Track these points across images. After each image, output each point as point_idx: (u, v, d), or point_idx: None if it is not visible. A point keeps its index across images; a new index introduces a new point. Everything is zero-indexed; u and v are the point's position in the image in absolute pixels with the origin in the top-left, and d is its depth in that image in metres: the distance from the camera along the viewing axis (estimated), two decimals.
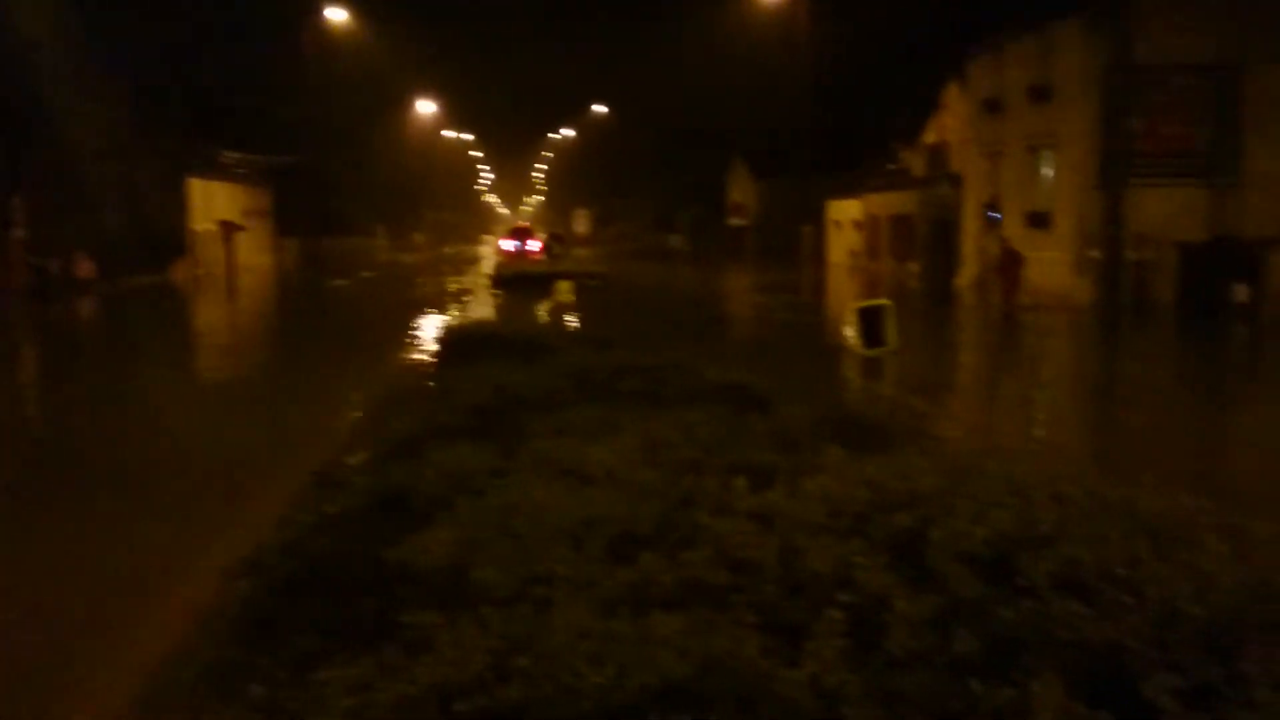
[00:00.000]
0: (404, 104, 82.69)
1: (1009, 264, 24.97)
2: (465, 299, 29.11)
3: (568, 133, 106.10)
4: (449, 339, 13.63)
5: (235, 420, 12.28)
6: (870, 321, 16.35)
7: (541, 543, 4.33)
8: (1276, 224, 21.96)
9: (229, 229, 50.55)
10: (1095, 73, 24.85)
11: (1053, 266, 26.81)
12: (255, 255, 54.52)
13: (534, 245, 51.69)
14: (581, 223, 76.45)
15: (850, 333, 16.39)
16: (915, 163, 41.28)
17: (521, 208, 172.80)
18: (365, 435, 9.29)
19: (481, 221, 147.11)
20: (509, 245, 62.43)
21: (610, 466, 5.51)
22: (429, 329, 18.14)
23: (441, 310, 24.48)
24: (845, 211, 47.07)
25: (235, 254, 50.97)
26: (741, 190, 64.56)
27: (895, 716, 3.05)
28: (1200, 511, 4.12)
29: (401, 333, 18.43)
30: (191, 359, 18.92)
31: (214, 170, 49.02)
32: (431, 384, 10.36)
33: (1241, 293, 20.71)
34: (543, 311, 23.80)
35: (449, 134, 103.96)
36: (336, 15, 52.13)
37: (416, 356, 13.81)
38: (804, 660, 3.26)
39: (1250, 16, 24.18)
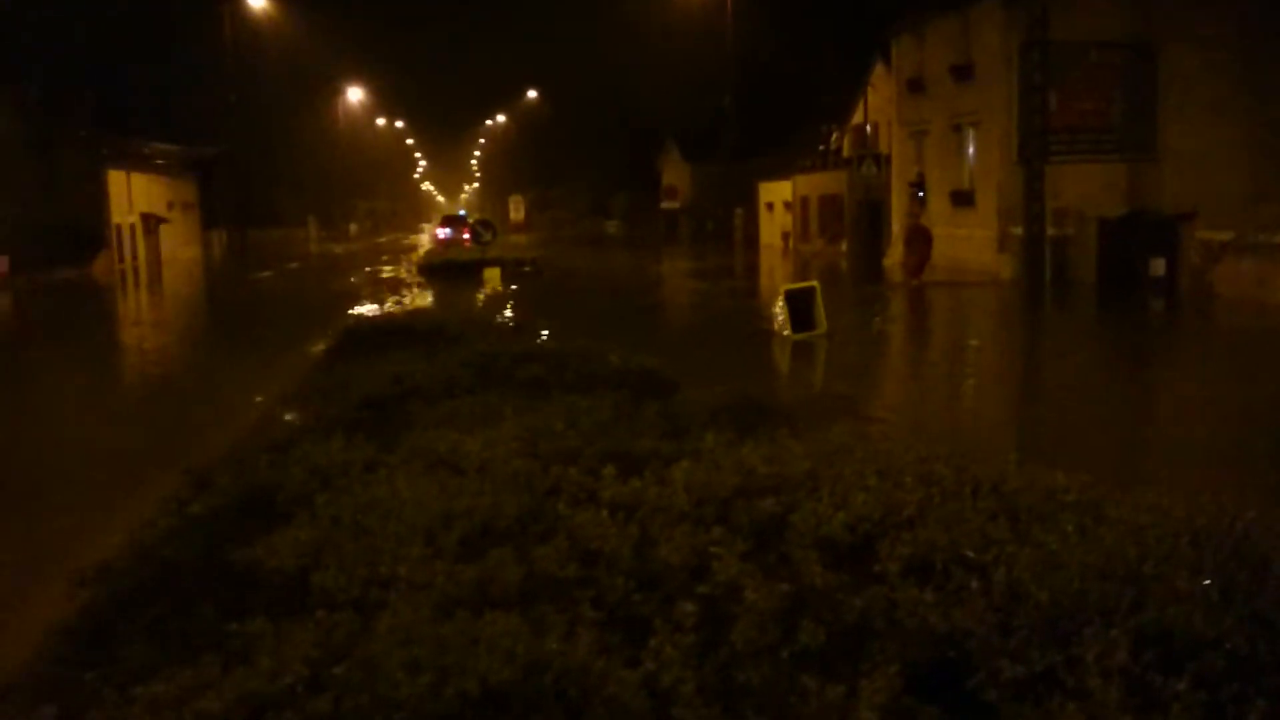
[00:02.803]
0: (332, 92, 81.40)
1: (915, 239, 25.14)
2: (391, 289, 28.64)
3: (502, 119, 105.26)
4: (358, 330, 13.35)
5: (128, 418, 11.94)
6: (798, 305, 16.21)
7: (393, 540, 4.15)
8: (1191, 198, 22.27)
9: (152, 221, 49.41)
10: (1014, 51, 25.02)
11: (977, 243, 27.04)
12: (180, 248, 53.36)
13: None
14: (516, 209, 75.76)
15: (779, 316, 16.24)
16: (845, 143, 41.40)
17: (460, 195, 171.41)
18: (259, 432, 9.00)
19: (419, 210, 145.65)
20: (443, 233, 61.90)
21: (484, 457, 5.34)
22: (345, 320, 17.72)
23: (363, 301, 24.03)
24: (777, 193, 47.12)
25: (159, 247, 49.84)
26: (674, 173, 64.42)
27: (729, 715, 2.91)
28: (1064, 489, 4.05)
29: (317, 325, 18.01)
30: (97, 355, 18.36)
31: (134, 161, 47.69)
32: (333, 377, 10.07)
33: (1158, 266, 20.98)
34: (468, 300, 23.44)
35: (381, 122, 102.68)
36: (257, 1, 51.10)
37: (326, 349, 13.47)
38: (644, 658, 3.11)
39: None
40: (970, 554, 3.38)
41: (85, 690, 3.62)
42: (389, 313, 18.27)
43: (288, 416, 8.83)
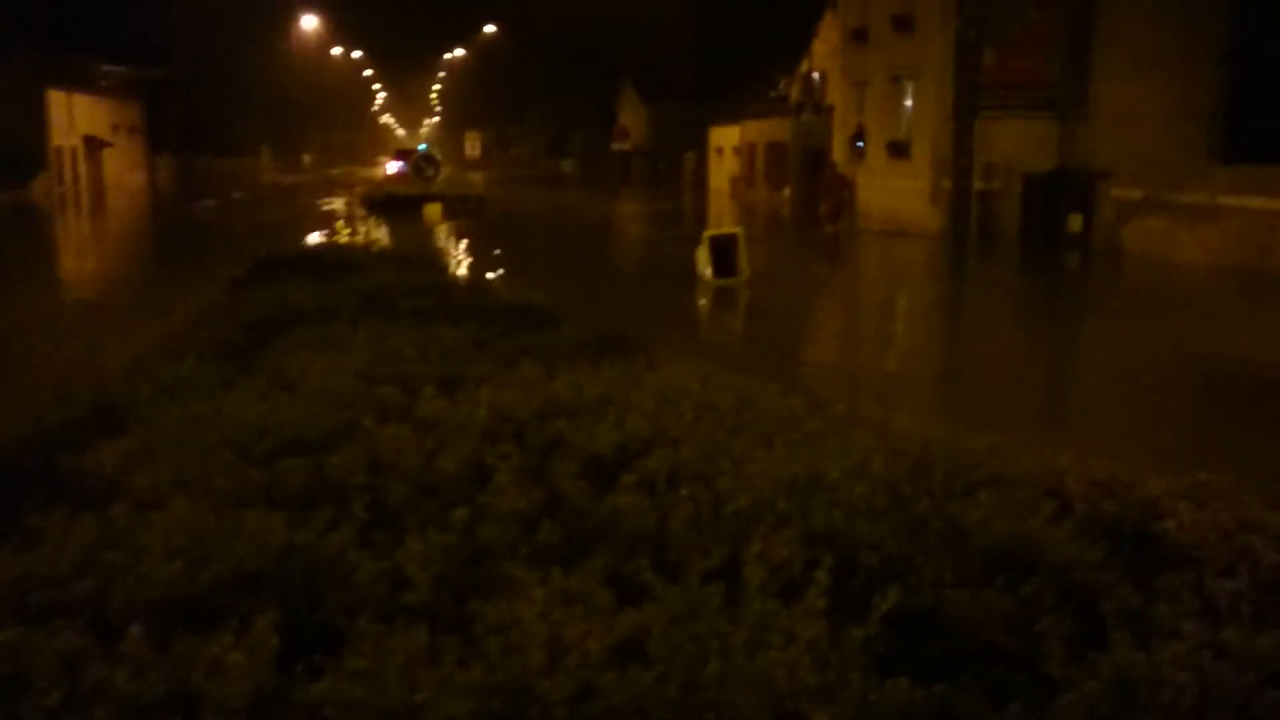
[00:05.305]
0: (287, 18, 79.84)
1: (833, 185, 25.48)
2: (325, 222, 28.59)
3: (461, 53, 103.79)
4: (269, 260, 13.46)
5: (24, 342, 12.13)
6: (721, 250, 16.40)
7: (205, 449, 4.45)
8: (1118, 156, 22.73)
9: (95, 145, 48.69)
10: (953, 4, 25.24)
11: (911, 195, 27.45)
12: (124, 173, 52.62)
13: None
14: (472, 145, 75.21)
15: (702, 261, 16.42)
16: (794, 91, 41.49)
17: (420, 130, 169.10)
18: (147, 355, 9.21)
19: (376, 142, 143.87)
20: (394, 166, 61.50)
21: (324, 379, 5.63)
22: (265, 249, 17.80)
23: (293, 233, 24.03)
24: (726, 138, 47.27)
25: (101, 171, 49.16)
26: (630, 115, 64.17)
27: (452, 599, 3.27)
28: (835, 418, 4.44)
29: (238, 253, 18.11)
30: (9, 278, 18.33)
31: (78, 82, 46.86)
32: (233, 302, 10.27)
33: (1075, 223, 21.54)
34: (398, 234, 23.48)
35: (338, 51, 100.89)
36: None
37: (234, 278, 13.62)
38: (398, 554, 3.46)
39: None
40: (703, 469, 3.76)
41: None
42: (305, 244, 18.38)
43: (178, 339, 9.04)
